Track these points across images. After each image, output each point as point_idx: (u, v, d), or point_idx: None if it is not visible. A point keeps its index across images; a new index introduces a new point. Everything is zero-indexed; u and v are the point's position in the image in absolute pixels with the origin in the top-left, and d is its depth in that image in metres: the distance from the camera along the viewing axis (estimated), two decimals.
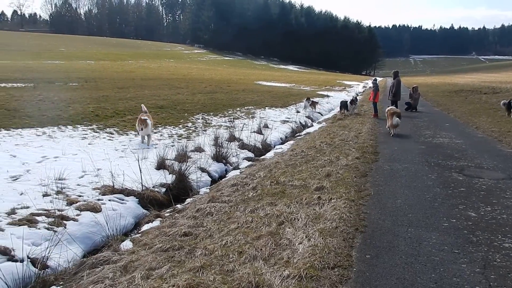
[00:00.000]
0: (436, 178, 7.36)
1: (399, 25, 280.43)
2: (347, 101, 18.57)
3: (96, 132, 11.42)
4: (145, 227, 5.95)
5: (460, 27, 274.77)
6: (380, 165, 8.41)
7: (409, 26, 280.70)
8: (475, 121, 15.15)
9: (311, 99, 20.68)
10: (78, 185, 7.10)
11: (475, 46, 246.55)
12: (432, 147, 10.42)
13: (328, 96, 29.35)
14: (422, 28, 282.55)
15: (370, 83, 40.32)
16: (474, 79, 56.00)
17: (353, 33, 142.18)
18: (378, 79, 25.73)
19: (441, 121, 15.94)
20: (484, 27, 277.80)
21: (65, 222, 5.56)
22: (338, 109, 19.84)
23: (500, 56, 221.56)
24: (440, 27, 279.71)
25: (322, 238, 4.63)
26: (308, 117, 18.74)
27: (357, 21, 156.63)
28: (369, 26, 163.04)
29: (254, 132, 13.27)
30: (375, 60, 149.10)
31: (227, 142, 11.40)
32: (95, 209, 6.11)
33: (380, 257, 4.27)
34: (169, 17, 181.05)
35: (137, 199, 6.97)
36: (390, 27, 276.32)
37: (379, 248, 4.50)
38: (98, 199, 6.56)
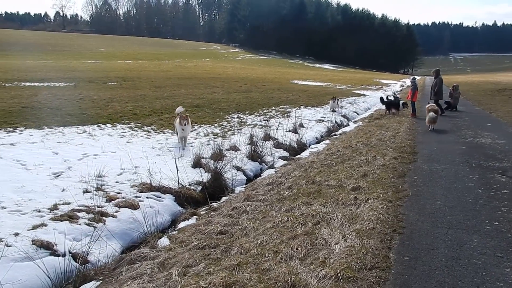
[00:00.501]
0: (478, 179, 7.13)
1: (439, 22, 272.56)
2: (397, 101, 17.82)
3: (134, 130, 11.69)
4: (182, 225, 6.06)
5: (503, 24, 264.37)
6: (418, 166, 8.22)
7: (450, 23, 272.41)
8: None
9: (337, 98, 19.96)
10: (116, 182, 7.30)
11: None
12: (473, 147, 10.10)
13: (364, 95, 28.92)
14: (463, 25, 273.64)
15: (408, 82, 39.37)
16: None
17: (391, 31, 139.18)
18: (417, 77, 25.13)
19: (483, 121, 15.40)
20: None
21: (104, 218, 5.74)
22: (375, 108, 19.48)
23: None
24: (482, 24, 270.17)
25: (359, 239, 4.57)
26: (344, 116, 18.55)
27: (395, 19, 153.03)
28: (408, 23, 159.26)
29: (289, 131, 13.23)
30: (413, 58, 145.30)
31: (262, 141, 11.45)
32: (133, 206, 6.27)
33: (419, 259, 4.18)
34: (206, 17, 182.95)
35: (174, 197, 7.11)
36: (430, 24, 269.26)
37: (418, 250, 4.40)
38: (136, 196, 6.73)
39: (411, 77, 24.98)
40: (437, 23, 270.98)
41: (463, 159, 8.74)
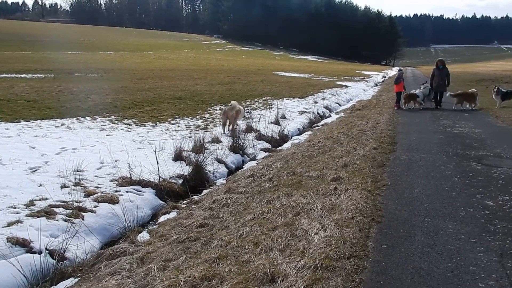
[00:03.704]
0: (454, 168, 7.26)
1: (420, 14, 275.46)
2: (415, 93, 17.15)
3: (114, 123, 11.58)
4: (162, 219, 6.03)
5: (482, 16, 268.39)
6: (397, 155, 8.33)
7: (431, 15, 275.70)
8: (495, 110, 14.83)
9: None
10: (96, 176, 7.22)
11: (497, 35, 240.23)
12: (451, 136, 10.27)
13: (346, 86, 29.05)
14: (444, 17, 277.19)
15: (390, 73, 39.73)
16: (496, 69, 54.79)
17: (374, 23, 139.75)
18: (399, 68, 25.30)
19: (461, 110, 15.64)
20: (507, 15, 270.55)
21: (83, 213, 5.66)
22: (357, 99, 19.50)
23: None
24: (462, 16, 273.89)
25: (338, 229, 4.62)
26: (326, 107, 18.62)
27: (377, 10, 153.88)
28: (390, 15, 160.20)
29: (271, 123, 13.26)
30: (396, 50, 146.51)
31: (244, 133, 11.44)
32: (113, 200, 6.21)
33: (396, 247, 4.25)
34: (189, 8, 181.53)
35: (154, 191, 7.05)
36: (411, 16, 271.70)
37: (395, 238, 4.47)
38: (116, 191, 6.66)
39: (398, 68, 25.07)
40: (418, 15, 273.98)
41: (441, 148, 8.89)
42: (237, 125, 12.21)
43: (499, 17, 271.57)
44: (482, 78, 31.64)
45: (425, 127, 11.87)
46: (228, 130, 11.55)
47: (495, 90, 15.96)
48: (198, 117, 13.68)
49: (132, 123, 11.80)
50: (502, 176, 6.70)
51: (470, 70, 50.69)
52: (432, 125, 12.16)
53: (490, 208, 5.25)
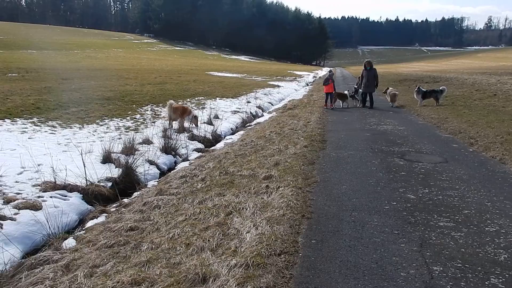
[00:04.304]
0: (379, 163, 7.63)
1: (348, 17, 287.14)
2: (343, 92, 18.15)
3: (37, 125, 10.91)
4: (90, 224, 5.78)
5: (405, 19, 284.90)
6: (327, 153, 8.60)
7: (357, 17, 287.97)
8: (416, 109, 15.79)
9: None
10: (16, 182, 6.75)
11: (418, 38, 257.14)
12: (376, 134, 10.77)
13: (279, 86, 29.55)
14: (370, 20, 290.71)
15: (321, 74, 40.93)
16: (417, 69, 58.38)
17: (304, 24, 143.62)
18: (329, 69, 26.15)
19: (386, 109, 16.48)
20: (426, 19, 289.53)
21: (1, 222, 5.27)
22: (289, 98, 19.95)
23: (440, 47, 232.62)
24: (386, 19, 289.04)
25: (270, 226, 4.68)
26: (259, 107, 18.81)
27: (307, 12, 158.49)
28: (319, 17, 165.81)
29: (204, 123, 13.19)
30: (325, 50, 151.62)
31: (176, 133, 11.27)
32: (35, 207, 5.85)
33: (325, 242, 4.38)
34: (117, 5, 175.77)
35: (81, 195, 6.73)
36: (340, 18, 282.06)
37: (324, 233, 4.61)
38: (39, 196, 6.27)
39: (329, 69, 25.82)
40: (346, 17, 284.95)
41: (367, 145, 9.30)
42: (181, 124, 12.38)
43: (419, 20, 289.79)
44: (405, 78, 33.49)
45: (353, 125, 12.36)
46: (171, 127, 11.81)
47: (416, 90, 17.00)
48: (128, 118, 13.26)
49: (57, 125, 11.18)
50: (422, 170, 7.14)
51: (394, 71, 53.45)
52: (360, 123, 12.70)
53: (411, 201, 5.57)
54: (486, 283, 3.51)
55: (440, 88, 17.15)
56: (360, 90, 17.58)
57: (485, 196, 5.75)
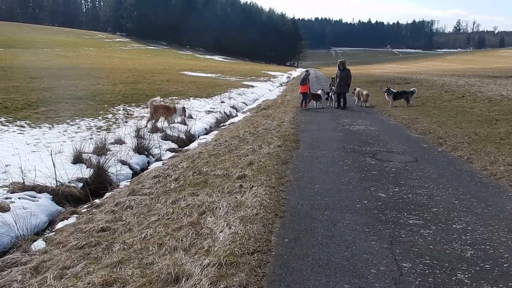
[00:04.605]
0: (352, 163, 7.75)
1: (321, 18, 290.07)
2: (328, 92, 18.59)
3: (5, 125, 10.60)
4: (60, 225, 5.66)
5: (377, 21, 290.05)
6: (300, 153, 8.68)
7: (331, 19, 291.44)
8: (388, 110, 16.09)
9: None
10: None
11: (390, 40, 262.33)
12: (349, 134, 10.93)
13: (253, 86, 29.60)
14: (343, 21, 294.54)
15: (295, 74, 41.20)
16: (389, 71, 59.54)
17: (278, 25, 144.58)
18: (303, 70, 26.35)
19: (358, 110, 16.74)
20: (398, 22, 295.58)
21: None
22: (263, 99, 20.00)
23: (411, 50, 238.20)
24: (359, 21, 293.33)
25: (243, 225, 4.70)
26: (233, 107, 18.80)
27: (281, 13, 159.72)
28: (293, 18, 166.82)
29: (178, 122, 13.09)
30: (299, 51, 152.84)
31: (149, 133, 11.14)
32: (3, 208, 5.68)
33: (298, 240, 4.42)
34: (88, 3, 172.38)
35: (51, 196, 6.58)
36: (313, 19, 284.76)
37: (297, 231, 4.65)
38: (6, 198, 6.09)
39: (305, 69, 25.96)
40: (320, 19, 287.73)
41: (340, 145, 9.42)
42: (172, 121, 12.98)
43: (391, 23, 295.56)
44: (377, 80, 34.09)
45: (326, 126, 12.50)
46: (150, 125, 12.14)
47: (386, 90, 17.37)
48: (100, 117, 13.03)
49: (25, 125, 10.90)
50: (393, 169, 7.28)
51: (366, 72, 54.37)
52: (333, 124, 12.86)
53: (382, 199, 5.68)
54: (453, 278, 3.62)
55: (411, 90, 17.58)
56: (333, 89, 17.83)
57: (453, 194, 5.92)
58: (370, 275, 3.67)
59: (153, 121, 12.30)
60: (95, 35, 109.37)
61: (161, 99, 14.46)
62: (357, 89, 18.76)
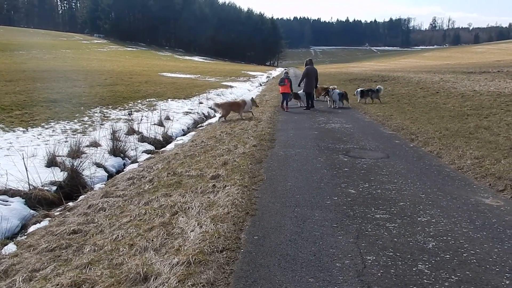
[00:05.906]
0: (325, 160, 7.88)
1: (300, 17, 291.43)
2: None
3: None
4: (32, 228, 5.65)
5: (355, 20, 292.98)
6: (275, 151, 8.79)
7: (309, 18, 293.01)
8: (364, 107, 16.34)
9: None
10: None
11: (368, 38, 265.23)
12: (324, 132, 11.09)
13: (232, 87, 29.62)
14: (321, 20, 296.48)
15: (274, 74, 41.34)
16: (367, 68, 60.20)
17: (257, 25, 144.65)
18: (283, 69, 26.53)
19: (334, 108, 16.92)
20: (375, 20, 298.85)
21: None
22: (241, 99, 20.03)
23: (389, 47, 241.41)
24: (337, 20, 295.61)
25: (214, 224, 4.76)
26: (211, 108, 18.82)
27: (260, 13, 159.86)
28: (272, 17, 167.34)
29: (155, 124, 13.07)
30: (278, 51, 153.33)
31: (125, 135, 11.11)
32: None
33: (267, 237, 4.51)
34: (65, 4, 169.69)
35: (24, 200, 6.55)
36: (292, 19, 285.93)
37: (267, 229, 4.74)
38: None
39: (284, 69, 26.06)
40: (298, 18, 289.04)
41: (314, 143, 9.56)
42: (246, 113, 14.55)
43: (369, 21, 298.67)
44: (355, 78, 34.48)
45: (302, 124, 12.65)
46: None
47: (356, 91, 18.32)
48: (76, 120, 12.93)
49: None
50: (365, 166, 7.45)
51: (345, 70, 54.93)
52: (309, 122, 13.01)
53: (352, 195, 5.82)
54: (414, 269, 3.75)
55: (377, 88, 18.20)
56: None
57: (420, 188, 6.10)
58: (334, 269, 3.78)
59: (224, 118, 14.03)
60: (72, 37, 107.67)
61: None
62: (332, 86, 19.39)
